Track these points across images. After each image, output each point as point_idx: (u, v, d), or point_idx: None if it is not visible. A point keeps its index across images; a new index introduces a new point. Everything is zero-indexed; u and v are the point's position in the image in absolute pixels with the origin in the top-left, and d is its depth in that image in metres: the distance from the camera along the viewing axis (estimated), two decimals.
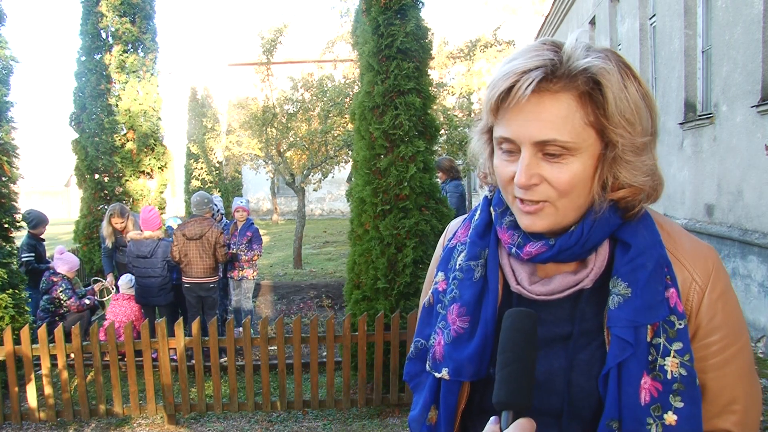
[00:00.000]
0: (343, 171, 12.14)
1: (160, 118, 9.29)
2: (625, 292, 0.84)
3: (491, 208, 0.98)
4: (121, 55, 8.83)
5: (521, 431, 0.73)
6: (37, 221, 6.33)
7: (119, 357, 4.29)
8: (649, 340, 0.83)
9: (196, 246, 5.58)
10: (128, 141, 8.90)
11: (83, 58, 8.90)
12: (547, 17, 14.80)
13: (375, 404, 4.29)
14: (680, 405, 0.82)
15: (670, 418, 0.81)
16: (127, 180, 8.83)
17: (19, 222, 5.23)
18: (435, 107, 8.65)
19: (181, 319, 4.34)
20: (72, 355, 4.31)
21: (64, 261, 5.73)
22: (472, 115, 11.08)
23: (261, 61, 10.17)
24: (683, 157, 7.08)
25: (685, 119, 6.99)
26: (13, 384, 4.10)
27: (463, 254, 0.98)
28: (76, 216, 10.03)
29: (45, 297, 5.58)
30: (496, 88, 0.82)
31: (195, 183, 17.55)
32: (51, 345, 4.15)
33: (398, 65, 4.27)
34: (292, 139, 10.63)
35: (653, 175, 0.86)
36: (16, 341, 4.23)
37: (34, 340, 4.30)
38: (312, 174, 10.97)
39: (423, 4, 4.48)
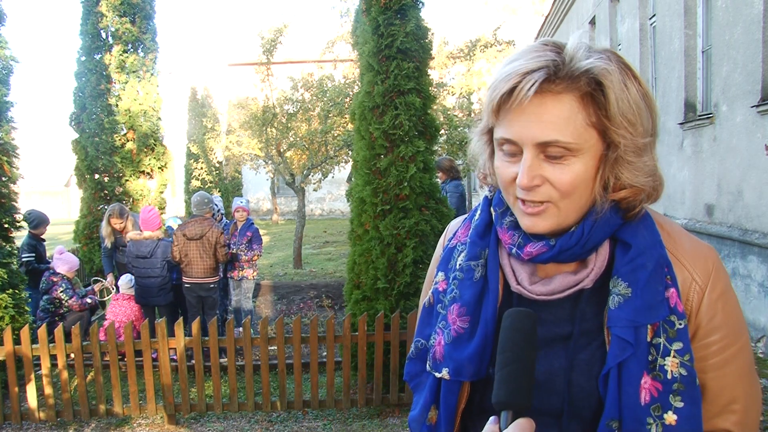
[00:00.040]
0: (343, 171, 12.14)
1: (160, 118, 9.29)
2: (625, 292, 0.84)
3: (492, 209, 0.98)
4: (121, 55, 8.83)
5: (521, 431, 0.73)
6: (38, 221, 6.34)
7: (119, 357, 4.29)
8: (649, 340, 0.83)
9: (197, 246, 5.58)
10: (128, 141, 8.90)
11: (83, 58, 8.91)
12: (547, 17, 14.80)
13: (375, 404, 4.29)
14: (680, 405, 0.82)
15: (670, 417, 0.81)
16: (127, 180, 8.83)
17: (19, 222, 5.23)
18: (435, 107, 8.65)
19: (181, 319, 4.34)
20: (72, 355, 4.31)
21: (63, 261, 5.73)
22: (472, 115, 11.09)
23: (261, 61, 10.17)
24: (683, 157, 7.08)
25: (685, 119, 6.99)
26: (13, 384, 4.10)
27: (463, 254, 0.98)
28: (76, 216, 10.04)
29: (45, 297, 5.58)
30: (498, 89, 0.82)
31: (195, 183, 17.55)
32: (51, 345, 4.15)
33: (398, 65, 4.27)
34: (292, 139, 10.63)
35: (654, 175, 0.86)
36: (16, 341, 4.23)
37: (34, 340, 4.30)
38: (312, 174, 10.97)
39: (423, 4, 4.48)
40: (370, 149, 4.39)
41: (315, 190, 12.00)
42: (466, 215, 1.08)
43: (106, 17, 8.76)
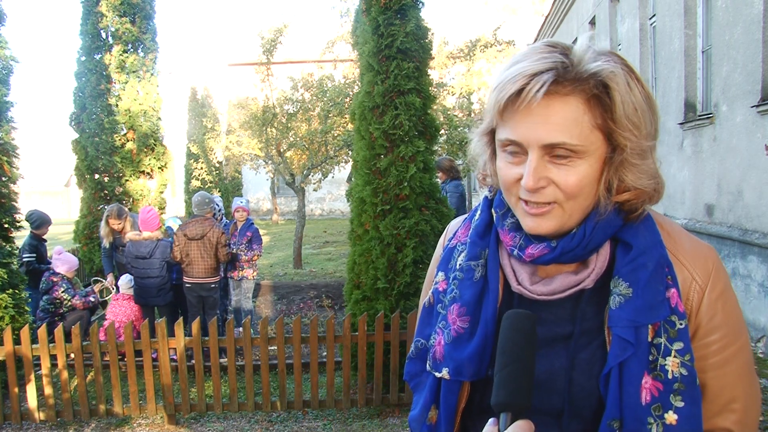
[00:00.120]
0: (343, 171, 12.13)
1: (160, 118, 9.29)
2: (626, 292, 0.84)
3: (492, 210, 0.98)
4: (121, 55, 8.83)
5: None
6: (40, 222, 6.34)
7: (119, 357, 4.29)
8: (650, 339, 0.83)
9: (198, 246, 5.58)
10: (128, 141, 8.91)
11: (83, 58, 8.91)
12: (547, 17, 14.81)
13: (375, 404, 4.29)
14: (681, 404, 0.82)
15: (671, 417, 0.82)
16: (127, 180, 8.84)
17: (19, 222, 5.23)
18: (435, 107, 8.65)
19: (181, 319, 4.34)
20: (72, 355, 4.31)
21: (63, 261, 5.73)
22: (472, 115, 11.08)
23: (261, 61, 10.17)
24: (683, 157, 7.08)
25: (685, 119, 6.99)
26: (13, 384, 4.10)
27: (463, 254, 0.98)
28: (76, 216, 10.04)
29: (45, 297, 5.58)
30: (505, 90, 0.81)
31: (195, 183, 17.55)
32: (51, 345, 4.14)
33: (398, 65, 4.27)
34: (292, 139, 10.63)
35: (656, 177, 0.87)
36: (16, 341, 4.23)
37: (34, 340, 4.30)
38: (312, 174, 10.97)
39: (423, 4, 4.48)
40: (370, 149, 4.39)
41: (315, 190, 12.00)
42: (466, 215, 1.08)
43: (106, 17, 8.76)
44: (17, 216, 5.20)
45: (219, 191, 17.75)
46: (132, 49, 8.98)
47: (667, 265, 0.86)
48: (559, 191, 0.82)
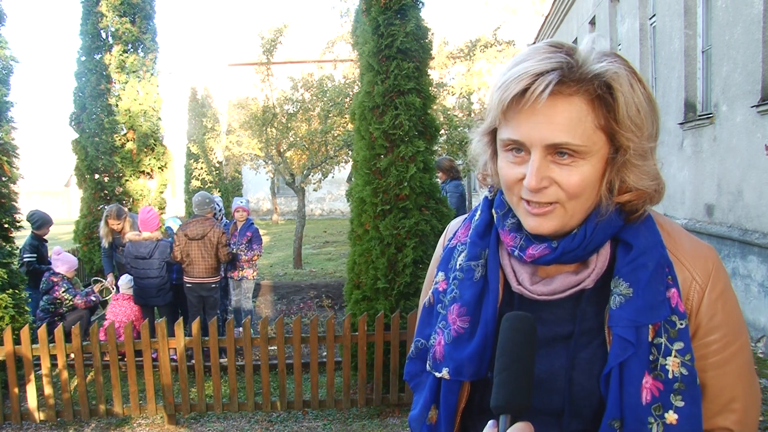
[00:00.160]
0: (343, 171, 12.13)
1: (160, 118, 9.29)
2: (626, 292, 0.84)
3: (493, 210, 0.98)
4: (121, 55, 8.83)
5: None
6: (41, 222, 6.34)
7: (119, 357, 4.29)
8: (650, 339, 0.83)
9: (198, 246, 5.58)
10: (128, 141, 8.91)
11: (83, 58, 8.91)
12: (547, 17, 14.81)
13: (375, 404, 4.29)
14: (681, 404, 0.82)
15: (671, 417, 0.82)
16: (127, 180, 8.84)
17: (19, 222, 5.23)
18: (435, 107, 8.65)
19: (181, 319, 4.34)
20: (72, 355, 4.31)
21: (62, 261, 5.73)
22: (472, 115, 11.08)
23: (261, 61, 10.17)
24: (683, 157, 7.08)
25: (685, 119, 6.99)
26: (13, 384, 4.09)
27: (463, 254, 0.98)
28: (76, 216, 10.04)
29: (45, 297, 5.58)
30: (510, 89, 0.81)
31: (195, 183, 17.56)
32: (51, 345, 4.14)
33: (398, 65, 4.27)
34: (292, 139, 10.63)
35: (657, 178, 0.87)
36: (16, 341, 4.23)
37: (34, 340, 4.30)
38: (312, 174, 10.97)
39: (423, 4, 4.48)
40: (370, 149, 4.39)
41: (315, 190, 12.00)
42: (466, 215, 1.08)
43: (106, 17, 8.77)
44: (17, 216, 5.20)
45: (219, 191, 17.75)
46: (132, 49, 8.99)
47: (667, 265, 0.86)
48: (562, 191, 0.82)
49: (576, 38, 12.00)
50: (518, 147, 0.84)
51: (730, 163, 5.79)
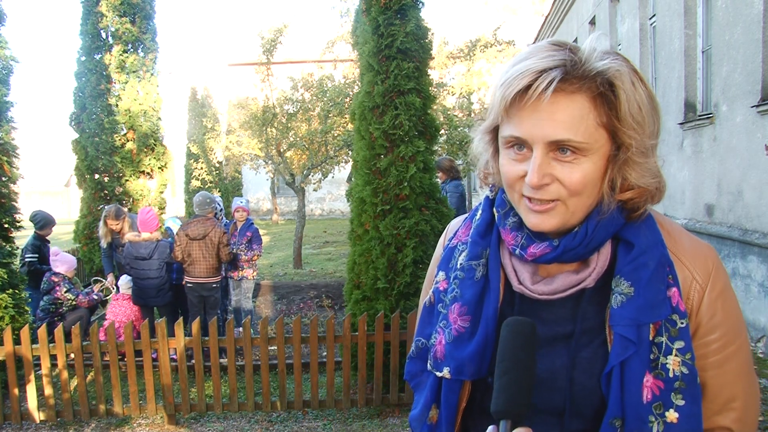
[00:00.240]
0: (343, 171, 12.14)
1: (160, 118, 9.30)
2: (627, 291, 0.84)
3: (494, 209, 0.98)
4: (121, 55, 8.84)
5: None
6: (44, 222, 6.34)
7: (119, 357, 4.29)
8: (651, 338, 0.84)
9: (199, 246, 5.58)
10: (128, 141, 8.91)
11: (83, 58, 8.92)
12: (547, 17, 14.81)
13: (375, 404, 4.29)
14: (681, 403, 0.82)
15: (672, 415, 0.82)
16: (127, 180, 8.84)
17: (19, 222, 5.23)
18: (435, 107, 8.65)
19: (181, 319, 4.34)
20: (72, 355, 4.31)
21: (61, 261, 5.73)
22: (472, 115, 11.08)
23: (261, 61, 10.17)
24: (683, 157, 7.08)
25: (685, 119, 7.00)
26: (13, 384, 4.09)
27: (464, 254, 0.98)
28: (76, 216, 10.04)
29: (46, 297, 5.58)
30: (512, 86, 0.81)
31: (195, 183, 17.57)
32: (51, 345, 4.14)
33: (398, 65, 4.27)
34: (292, 139, 10.64)
35: (658, 177, 0.87)
36: (16, 341, 4.23)
37: (34, 340, 4.30)
38: (312, 174, 10.97)
39: (423, 4, 4.48)
40: (370, 149, 4.39)
41: (315, 190, 12.01)
42: (466, 215, 1.08)
43: (106, 17, 8.77)
44: (17, 216, 5.20)
45: (219, 191, 17.76)
46: (132, 49, 8.99)
47: (668, 265, 0.87)
48: (563, 188, 0.83)
49: (576, 38, 12.00)
50: (520, 144, 0.85)
51: (730, 163, 5.79)
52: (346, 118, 9.45)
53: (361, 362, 4.20)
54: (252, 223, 6.50)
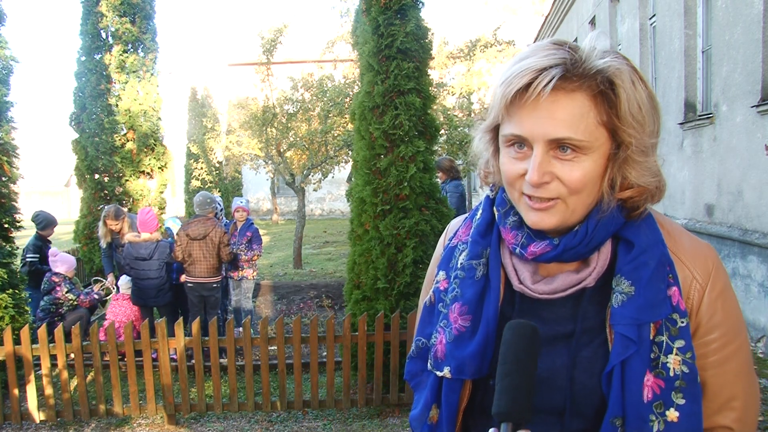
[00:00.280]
0: (343, 171, 12.14)
1: (160, 118, 9.30)
2: (628, 290, 0.84)
3: (494, 208, 0.98)
4: (121, 55, 8.84)
5: None
6: (46, 223, 6.35)
7: (119, 357, 4.29)
8: (651, 337, 0.84)
9: (200, 246, 5.59)
10: (128, 141, 8.91)
11: (83, 58, 8.92)
12: (547, 17, 14.81)
13: (375, 404, 4.29)
14: (682, 402, 0.83)
15: (672, 414, 0.82)
16: (127, 180, 8.84)
17: (19, 222, 5.23)
18: (435, 107, 8.65)
19: (181, 319, 4.34)
20: (72, 355, 4.31)
21: (60, 261, 5.73)
22: (472, 115, 11.08)
23: (261, 61, 10.17)
24: (683, 157, 7.08)
25: (685, 119, 7.00)
26: (13, 384, 4.09)
27: (464, 253, 0.98)
28: (76, 216, 10.04)
29: (46, 297, 5.58)
30: (513, 84, 0.81)
31: (195, 183, 17.57)
32: (51, 345, 4.14)
33: (398, 65, 4.27)
34: (292, 139, 10.64)
35: (658, 176, 0.88)
36: (16, 341, 4.23)
37: (34, 340, 4.30)
38: (312, 174, 10.97)
39: (423, 4, 4.48)
40: (370, 149, 4.39)
41: (315, 190, 12.01)
42: (466, 215, 1.08)
43: (106, 17, 8.77)
44: (17, 216, 5.20)
45: (219, 191, 17.76)
46: (132, 49, 8.99)
47: (668, 264, 0.87)
48: (563, 186, 0.83)
49: (576, 38, 12.00)
50: (520, 142, 0.85)
51: (730, 163, 5.79)
52: (346, 118, 9.45)
53: (361, 362, 4.20)
54: (252, 223, 6.50)
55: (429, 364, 0.97)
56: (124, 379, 4.50)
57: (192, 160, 18.46)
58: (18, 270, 5.21)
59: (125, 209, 7.33)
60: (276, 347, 4.33)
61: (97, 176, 8.85)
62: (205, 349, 4.27)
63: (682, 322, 0.84)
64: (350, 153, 9.12)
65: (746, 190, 5.49)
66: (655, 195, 0.88)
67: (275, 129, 10.39)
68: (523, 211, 0.89)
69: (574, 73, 0.80)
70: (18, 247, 5.32)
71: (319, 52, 11.33)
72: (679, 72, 7.17)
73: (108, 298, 6.43)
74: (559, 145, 0.82)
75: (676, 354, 0.83)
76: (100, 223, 6.41)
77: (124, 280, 5.93)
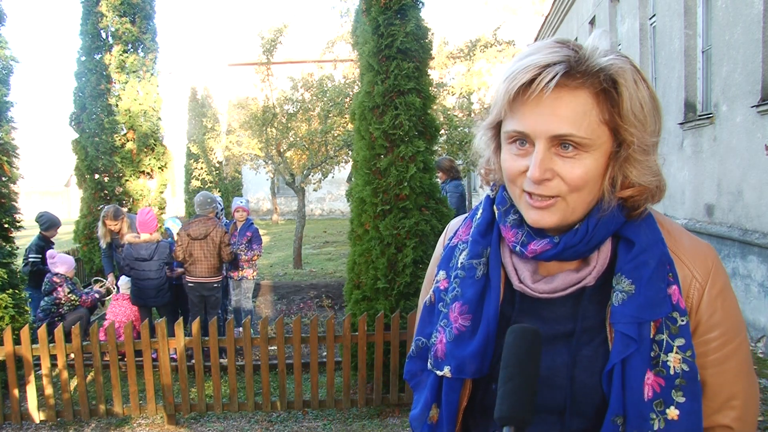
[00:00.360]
0: (343, 171, 12.14)
1: (160, 118, 9.30)
2: (628, 289, 0.85)
3: (494, 207, 0.98)
4: (121, 55, 8.84)
5: None
6: (49, 224, 6.35)
7: (119, 357, 4.29)
8: (652, 336, 0.84)
9: (201, 246, 5.59)
10: (128, 141, 8.91)
11: (83, 58, 8.92)
12: (547, 17, 14.81)
13: (375, 404, 4.29)
14: (682, 400, 0.83)
15: (672, 413, 0.82)
16: (127, 180, 8.84)
17: (19, 222, 5.23)
18: (435, 107, 8.65)
19: (181, 319, 4.34)
20: (72, 355, 4.31)
21: (60, 262, 5.72)
22: (472, 115, 11.08)
23: (261, 61, 10.17)
24: (683, 157, 7.08)
25: (685, 119, 7.00)
26: (13, 384, 4.09)
27: (464, 253, 0.98)
28: (76, 216, 10.04)
29: (47, 298, 5.58)
30: (516, 80, 0.82)
31: (195, 183, 17.58)
32: (51, 345, 4.14)
33: (398, 65, 4.27)
34: (292, 139, 10.64)
35: (658, 175, 0.88)
36: (16, 341, 4.23)
37: (34, 340, 4.30)
38: (312, 174, 10.97)
39: (423, 4, 4.48)
40: (370, 149, 4.39)
41: (315, 190, 12.01)
42: (466, 215, 1.08)
43: (106, 17, 8.77)
44: (17, 216, 5.20)
45: (219, 191, 17.77)
46: (132, 49, 8.99)
47: (668, 263, 0.87)
48: (564, 184, 0.83)
49: (576, 38, 11.97)
50: (522, 139, 0.85)
51: (730, 163, 5.79)
52: (346, 118, 9.45)
53: (361, 362, 4.20)
54: (252, 223, 6.50)
55: (429, 364, 0.97)
56: (124, 379, 4.50)
57: (192, 160, 18.47)
58: (19, 270, 5.21)
59: (125, 209, 7.33)
60: (276, 347, 4.33)
61: (97, 176, 8.85)
62: (205, 349, 4.27)
63: (682, 321, 0.85)
64: (350, 153, 9.12)
65: (746, 190, 5.49)
66: (656, 194, 0.89)
67: (275, 129, 10.39)
68: (523, 209, 0.89)
69: (577, 70, 0.80)
70: (18, 247, 5.32)
71: (319, 52, 11.33)
72: (679, 72, 7.17)
73: (108, 298, 6.43)
74: (561, 142, 0.82)
75: (677, 352, 0.83)
76: (100, 224, 6.41)
77: (124, 280, 5.93)
